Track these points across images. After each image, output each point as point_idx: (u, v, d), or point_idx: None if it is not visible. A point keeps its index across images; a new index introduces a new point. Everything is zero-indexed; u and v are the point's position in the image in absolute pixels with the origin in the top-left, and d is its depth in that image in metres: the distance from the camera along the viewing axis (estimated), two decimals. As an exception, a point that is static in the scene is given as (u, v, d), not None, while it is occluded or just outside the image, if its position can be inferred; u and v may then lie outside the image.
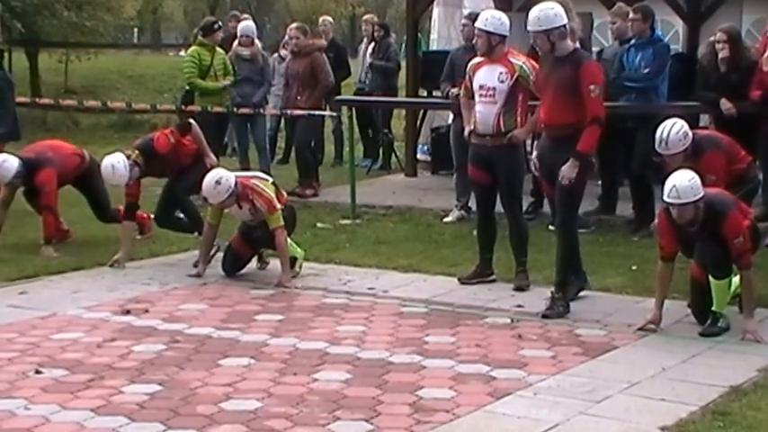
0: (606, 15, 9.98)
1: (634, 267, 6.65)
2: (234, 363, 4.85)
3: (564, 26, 5.58)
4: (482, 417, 4.17)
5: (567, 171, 5.56)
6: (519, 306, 5.83)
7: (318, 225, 8.26)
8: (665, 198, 5.17)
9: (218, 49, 9.66)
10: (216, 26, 9.72)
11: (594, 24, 10.27)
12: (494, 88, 6.01)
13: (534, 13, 5.60)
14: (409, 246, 7.41)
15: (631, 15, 7.81)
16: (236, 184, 6.37)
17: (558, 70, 5.61)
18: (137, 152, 6.92)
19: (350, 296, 6.13)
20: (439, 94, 8.85)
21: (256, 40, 10.15)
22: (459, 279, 6.33)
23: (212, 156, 7.25)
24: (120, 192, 7.05)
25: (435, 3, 11.43)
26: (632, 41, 7.86)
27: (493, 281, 6.31)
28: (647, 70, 7.71)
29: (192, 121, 7.35)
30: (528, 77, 5.97)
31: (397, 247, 7.35)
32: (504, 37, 6.05)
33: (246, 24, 10.14)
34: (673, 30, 10.70)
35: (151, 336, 5.30)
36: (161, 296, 6.15)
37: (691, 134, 5.76)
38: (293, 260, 6.61)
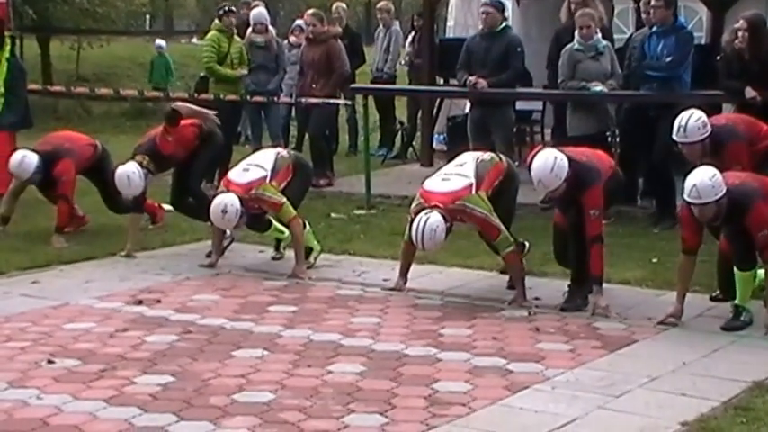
0: (628, 2, 9.95)
1: (654, 260, 6.62)
2: (247, 354, 4.87)
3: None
4: (498, 411, 4.17)
5: (596, 300, 5.52)
6: (536, 299, 5.82)
7: (333, 215, 8.27)
8: (686, 197, 5.14)
9: (236, 37, 9.68)
10: (223, 10, 9.77)
11: (615, 11, 10.22)
12: None
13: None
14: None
15: (653, 2, 7.75)
16: (241, 202, 6.21)
17: (560, 197, 5.62)
18: (147, 158, 6.90)
19: (364, 287, 6.14)
20: (455, 82, 8.83)
21: (270, 27, 10.16)
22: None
23: (210, 113, 7.24)
24: None
25: (453, -11, 11.42)
26: (654, 28, 7.81)
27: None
28: (669, 59, 7.66)
29: (175, 105, 7.23)
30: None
31: (413, 238, 7.35)
32: None
33: (259, 11, 10.15)
34: (696, 17, 10.63)
35: (163, 326, 5.33)
36: (173, 286, 6.17)
37: (709, 126, 5.72)
38: (309, 251, 6.61)
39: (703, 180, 5.08)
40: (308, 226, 6.64)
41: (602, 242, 5.55)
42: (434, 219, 5.64)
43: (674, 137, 5.76)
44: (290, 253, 6.67)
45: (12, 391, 4.35)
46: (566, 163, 5.49)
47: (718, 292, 5.71)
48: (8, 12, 9.09)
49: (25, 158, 7.27)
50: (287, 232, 6.64)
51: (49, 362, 4.72)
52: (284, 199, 6.35)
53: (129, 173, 6.80)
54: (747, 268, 5.23)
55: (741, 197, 5.14)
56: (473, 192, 5.76)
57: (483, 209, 5.72)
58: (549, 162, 5.48)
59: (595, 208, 5.52)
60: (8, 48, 8.71)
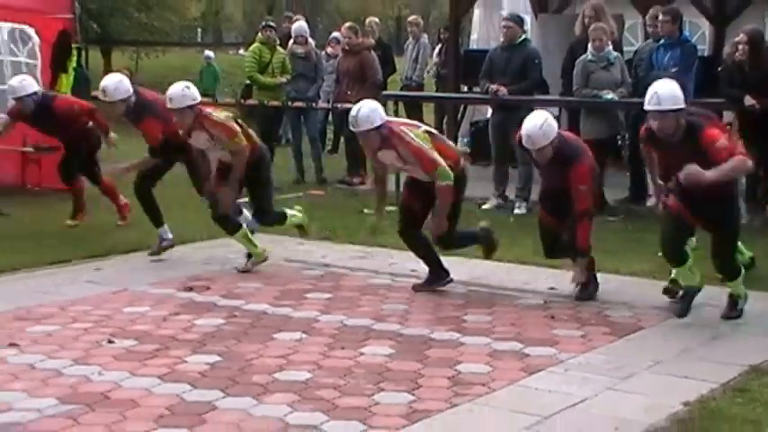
0: (637, 17, 9.86)
1: (660, 254, 6.55)
2: (287, 337, 4.89)
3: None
4: (516, 391, 4.16)
5: (579, 275, 5.44)
6: (552, 288, 5.80)
7: (365, 211, 8.26)
8: (646, 106, 4.92)
9: (279, 48, 9.74)
10: (262, 25, 9.92)
11: (626, 26, 10.14)
12: None
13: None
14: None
15: (661, 17, 7.70)
16: (199, 108, 6.02)
17: (550, 166, 5.41)
18: (135, 97, 6.44)
19: (394, 277, 6.15)
20: (478, 89, 8.82)
21: (310, 40, 10.20)
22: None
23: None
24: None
25: (476, 4, 11.39)
26: (661, 41, 7.75)
27: None
28: (675, 69, 7.60)
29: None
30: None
31: (438, 233, 7.34)
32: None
33: (300, 25, 10.22)
34: (700, 31, 10.54)
35: (211, 311, 5.37)
36: (221, 275, 6.21)
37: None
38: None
39: (664, 89, 4.87)
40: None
41: (591, 218, 5.36)
42: (373, 104, 5.45)
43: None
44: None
45: (76, 367, 4.41)
46: (555, 126, 5.30)
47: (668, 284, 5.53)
48: (75, 26, 9.22)
49: (25, 80, 7.21)
50: (299, 214, 6.61)
51: (110, 342, 4.78)
52: (239, 129, 6.01)
53: (124, 78, 6.48)
54: (734, 278, 5.16)
55: (696, 121, 4.94)
56: (422, 131, 5.53)
57: (423, 142, 5.43)
58: (539, 120, 5.28)
59: (584, 184, 5.30)
60: (75, 58, 8.83)
